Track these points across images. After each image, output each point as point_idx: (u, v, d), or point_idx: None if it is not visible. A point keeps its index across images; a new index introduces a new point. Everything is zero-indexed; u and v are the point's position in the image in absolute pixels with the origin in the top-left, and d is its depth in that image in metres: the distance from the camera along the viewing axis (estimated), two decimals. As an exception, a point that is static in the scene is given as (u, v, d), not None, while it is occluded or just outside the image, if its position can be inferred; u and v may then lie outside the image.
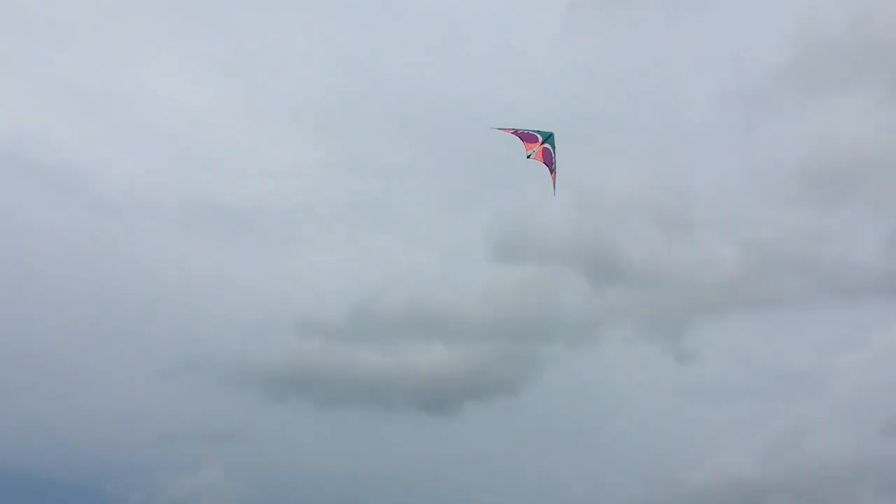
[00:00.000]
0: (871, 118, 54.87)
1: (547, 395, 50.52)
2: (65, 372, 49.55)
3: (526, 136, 35.29)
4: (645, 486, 46.91)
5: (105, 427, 48.09)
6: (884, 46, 54.99)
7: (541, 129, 35.35)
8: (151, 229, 54.36)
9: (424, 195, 57.19)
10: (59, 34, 59.05)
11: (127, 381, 49.37)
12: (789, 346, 51.98)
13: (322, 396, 51.03)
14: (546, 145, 35.34)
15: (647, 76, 57.91)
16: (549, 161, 35.37)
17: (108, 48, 60.57)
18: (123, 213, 54.86)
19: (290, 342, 51.28)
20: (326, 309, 51.96)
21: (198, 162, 57.16)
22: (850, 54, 55.73)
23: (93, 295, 51.92)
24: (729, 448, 48.77)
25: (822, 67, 56.01)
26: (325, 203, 56.78)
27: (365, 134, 58.81)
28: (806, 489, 46.51)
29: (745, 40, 58.38)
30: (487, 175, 56.75)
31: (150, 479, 46.62)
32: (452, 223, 55.89)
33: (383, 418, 50.56)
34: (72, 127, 55.95)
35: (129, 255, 53.17)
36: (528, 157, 35.28)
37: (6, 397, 47.03)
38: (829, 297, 51.63)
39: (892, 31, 55.16)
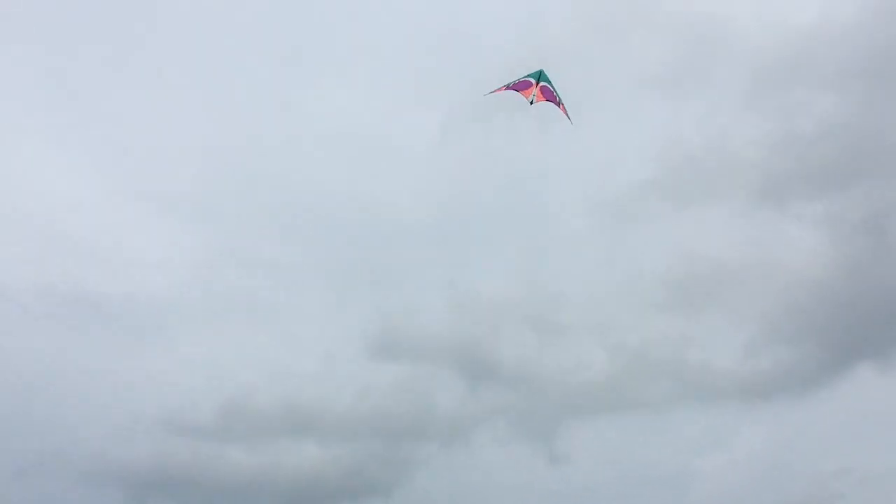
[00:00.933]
0: (730, 230, 58.13)
1: (419, 497, 50.03)
2: None
3: (519, 86, 35.04)
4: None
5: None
6: (739, 163, 58.95)
7: (529, 73, 35.24)
8: (10, 318, 51.81)
9: (301, 291, 56.69)
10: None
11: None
12: (655, 448, 53.11)
13: (187, 498, 49.08)
14: (542, 83, 35.12)
15: (521, 184, 59.77)
16: (551, 97, 35.13)
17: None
18: (-19, 300, 52.17)
19: (154, 440, 49.61)
20: (194, 406, 50.54)
21: (64, 250, 55.18)
22: (708, 170, 59.44)
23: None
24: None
25: (684, 181, 59.33)
26: (196, 296, 55.53)
27: (241, 227, 58.33)
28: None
29: (612, 155, 61.19)
30: (366, 272, 57.08)
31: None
32: (329, 320, 55.42)
33: (250, 521, 48.90)
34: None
35: (-15, 346, 50.44)
36: (531, 103, 34.99)
37: None
38: (692, 400, 53.37)
39: (746, 149, 59.20)
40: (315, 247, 57.51)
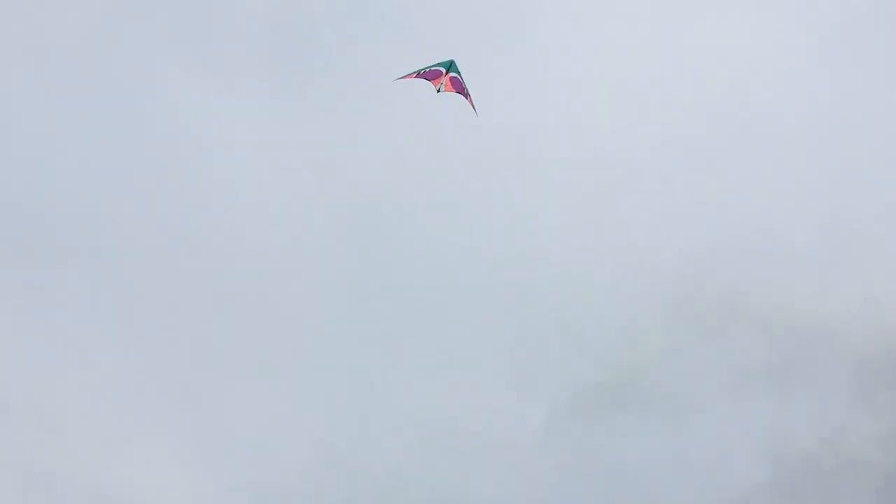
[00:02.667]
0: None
1: None
2: None
3: (429, 74, 33.52)
4: None
5: None
6: (858, 462, 56.42)
7: (440, 61, 33.55)
8: None
9: None
10: (37, 416, 58.01)
11: None
12: None
13: None
14: (451, 74, 33.50)
15: (627, 485, 57.82)
16: (460, 88, 33.49)
17: (86, 431, 59.21)
18: None
19: None
20: None
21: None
22: (826, 470, 56.90)
23: None
24: None
25: (802, 483, 56.71)
26: None
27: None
28: None
29: (721, 455, 59.12)
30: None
31: None
32: None
33: None
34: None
35: None
36: (439, 91, 33.38)
37: None
38: None
39: (863, 448, 56.86)
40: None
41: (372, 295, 65.07)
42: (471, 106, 35.88)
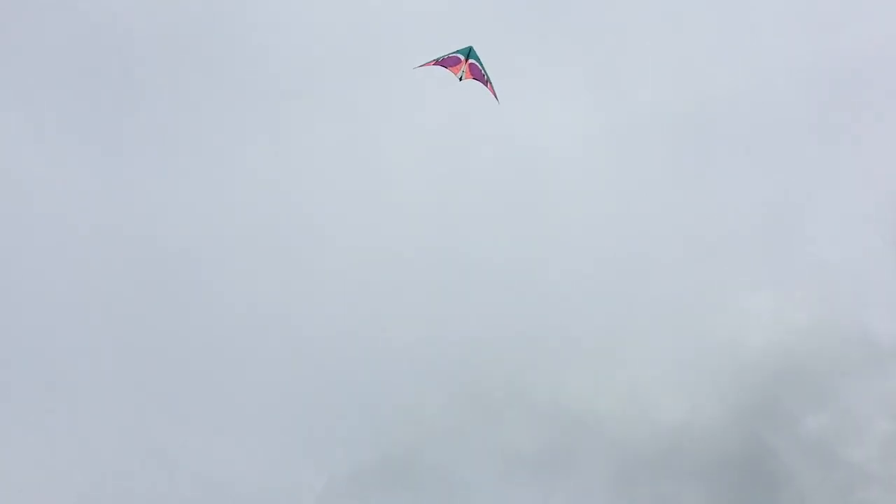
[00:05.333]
0: None
1: None
2: None
3: (447, 62, 32.82)
4: None
5: None
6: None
7: (458, 49, 33.01)
8: None
9: None
10: None
11: None
12: None
13: None
14: (471, 60, 32.87)
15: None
16: (479, 75, 32.81)
17: None
18: None
19: None
20: None
21: None
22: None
23: None
24: None
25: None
26: None
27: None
28: None
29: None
30: None
31: None
32: None
33: None
34: None
35: None
36: (460, 79, 32.68)
37: None
38: None
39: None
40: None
41: (157, 349, 63.16)
42: (491, 93, 33.87)
